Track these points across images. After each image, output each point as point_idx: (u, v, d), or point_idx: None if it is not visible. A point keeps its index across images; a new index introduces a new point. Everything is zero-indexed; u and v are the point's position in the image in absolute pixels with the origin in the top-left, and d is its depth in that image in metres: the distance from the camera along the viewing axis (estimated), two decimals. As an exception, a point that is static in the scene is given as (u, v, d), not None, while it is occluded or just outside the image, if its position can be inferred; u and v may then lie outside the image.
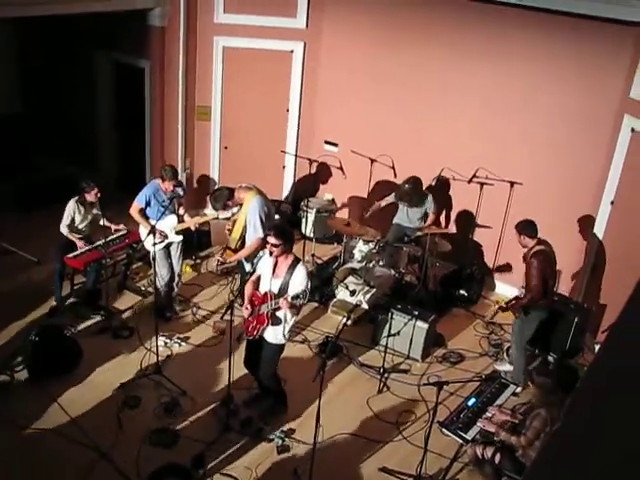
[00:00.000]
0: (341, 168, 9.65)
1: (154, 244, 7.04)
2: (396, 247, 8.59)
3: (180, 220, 7.73)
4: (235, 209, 7.22)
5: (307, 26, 9.62)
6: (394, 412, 6.77)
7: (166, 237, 7.60)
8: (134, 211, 7.53)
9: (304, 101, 10.12)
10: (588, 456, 1.32)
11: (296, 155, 10.16)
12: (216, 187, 7.08)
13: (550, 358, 7.60)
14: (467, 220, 9.12)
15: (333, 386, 7.03)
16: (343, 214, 10.24)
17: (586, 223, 8.13)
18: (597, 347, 7.67)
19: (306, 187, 10.20)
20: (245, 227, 7.12)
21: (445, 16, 8.61)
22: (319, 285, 8.50)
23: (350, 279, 8.52)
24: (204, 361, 7.31)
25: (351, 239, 8.98)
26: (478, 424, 5.55)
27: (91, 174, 7.91)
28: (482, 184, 8.61)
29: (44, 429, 6.12)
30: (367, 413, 6.73)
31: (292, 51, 9.79)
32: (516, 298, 7.16)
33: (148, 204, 7.50)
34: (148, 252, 7.77)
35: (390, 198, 8.80)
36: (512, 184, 8.48)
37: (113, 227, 8.02)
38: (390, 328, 7.53)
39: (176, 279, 8.00)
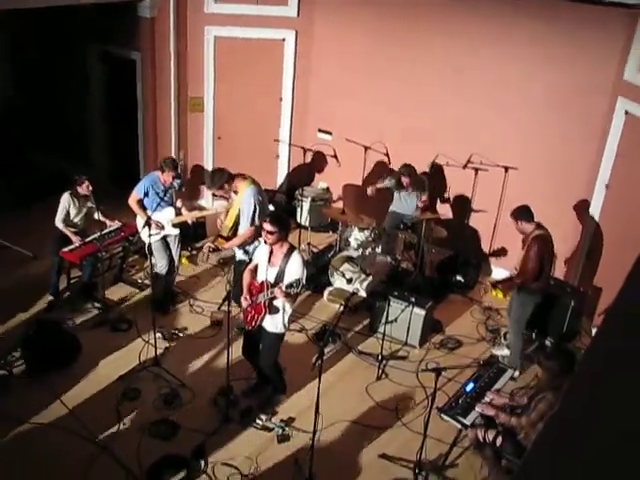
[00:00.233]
0: (335, 156, 9.64)
1: (150, 235, 7.05)
2: (392, 234, 8.60)
3: (177, 212, 7.72)
4: (233, 196, 7.21)
5: (298, 14, 9.58)
6: (393, 399, 6.79)
7: (162, 229, 7.60)
8: (132, 201, 7.52)
9: (297, 90, 10.09)
10: (586, 439, 1.32)
11: (290, 144, 10.14)
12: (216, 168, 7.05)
13: (547, 342, 7.62)
14: (462, 206, 9.12)
15: (332, 374, 7.04)
16: (338, 202, 10.23)
17: (581, 207, 8.15)
18: (594, 330, 7.70)
19: (300, 176, 10.18)
20: (238, 216, 7.13)
21: (438, 2, 8.57)
22: (315, 273, 8.50)
23: (346, 267, 8.52)
24: (202, 352, 7.32)
25: (346, 227, 8.98)
26: (477, 409, 5.57)
27: (84, 168, 7.88)
28: (477, 169, 8.60)
29: (44, 423, 6.12)
30: (366, 400, 6.75)
31: (284, 39, 9.75)
32: (508, 278, 7.19)
33: (146, 195, 7.49)
34: (144, 244, 7.78)
35: (386, 182, 8.79)
36: (506, 169, 8.48)
37: (108, 222, 8.00)
38: (387, 315, 7.54)
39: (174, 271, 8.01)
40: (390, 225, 8.78)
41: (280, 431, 6.22)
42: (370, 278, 8.39)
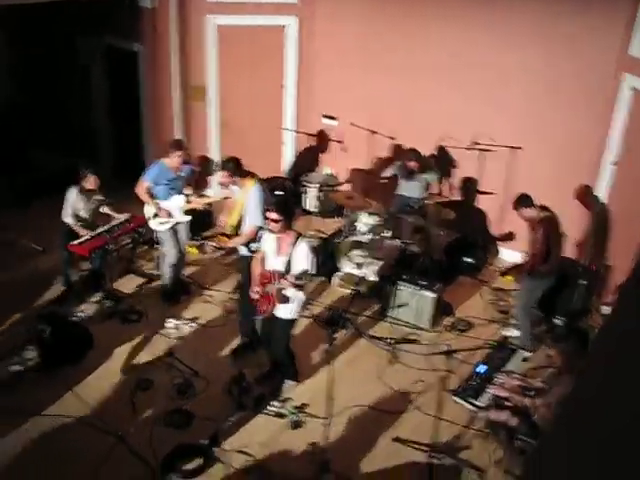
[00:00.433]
0: (341, 141, 9.61)
1: (160, 223, 7.03)
2: (399, 218, 8.59)
3: (187, 200, 7.72)
4: (234, 190, 7.08)
5: (300, 0, 9.54)
6: (405, 382, 6.80)
7: (171, 217, 7.60)
8: (140, 189, 7.48)
9: (300, 76, 10.07)
10: (599, 418, 1.33)
11: (295, 130, 10.13)
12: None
13: (557, 321, 7.62)
14: (469, 187, 9.11)
15: (343, 359, 7.05)
16: (344, 187, 10.22)
17: (588, 186, 8.11)
18: (604, 309, 7.69)
19: (306, 162, 10.17)
20: (242, 214, 6.90)
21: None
22: (324, 259, 8.50)
23: (355, 252, 8.52)
24: (214, 341, 7.34)
25: (353, 212, 8.98)
26: (489, 390, 5.57)
27: (89, 163, 7.88)
28: (482, 150, 8.59)
29: (59, 416, 6.16)
30: (378, 384, 6.76)
31: (286, 26, 9.72)
32: (517, 264, 7.18)
33: (156, 183, 7.49)
34: (153, 235, 7.79)
35: (393, 169, 8.78)
36: (512, 148, 8.45)
37: (116, 216, 8.00)
38: (397, 299, 7.54)
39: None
40: (397, 209, 8.77)
41: (294, 417, 6.23)
42: (379, 262, 8.39)
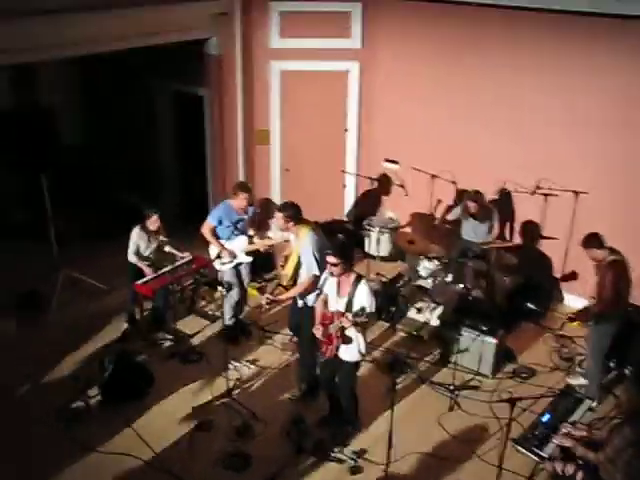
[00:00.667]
0: (402, 185, 9.62)
1: (223, 264, 7.11)
2: (461, 263, 8.51)
3: (250, 241, 7.80)
4: (290, 237, 7.03)
5: (362, 45, 9.68)
6: (466, 430, 6.68)
7: (235, 257, 7.69)
8: (206, 230, 7.58)
9: (362, 120, 10.16)
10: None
11: (357, 174, 10.19)
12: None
13: (627, 372, 7.40)
14: (532, 232, 8.99)
15: (404, 405, 6.96)
16: (405, 231, 10.20)
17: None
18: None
19: (367, 205, 10.20)
20: (299, 263, 6.76)
21: (505, 30, 8.50)
22: (385, 304, 8.45)
23: (416, 297, 8.47)
24: (274, 383, 7.35)
25: (415, 256, 8.93)
26: (554, 440, 5.42)
27: (153, 203, 8.05)
28: (546, 195, 8.50)
29: (119, 453, 6.23)
30: (439, 431, 6.65)
31: (348, 71, 9.85)
32: (585, 309, 7.02)
33: (220, 223, 7.58)
34: (215, 277, 7.87)
35: (455, 212, 8.74)
36: (577, 193, 8.34)
37: (179, 255, 8.13)
38: (459, 345, 7.45)
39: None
40: (459, 253, 8.69)
41: (352, 463, 6.17)
42: (440, 307, 8.31)
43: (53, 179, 8.61)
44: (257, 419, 6.72)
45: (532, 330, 8.43)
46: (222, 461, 6.15)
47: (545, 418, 5.73)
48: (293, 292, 6.75)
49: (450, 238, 9.03)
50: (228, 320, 7.89)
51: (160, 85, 10.45)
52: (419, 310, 8.31)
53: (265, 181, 10.35)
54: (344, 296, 5.81)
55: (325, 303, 6.05)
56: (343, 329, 5.80)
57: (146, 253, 7.88)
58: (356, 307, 5.69)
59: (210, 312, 8.67)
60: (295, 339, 7.60)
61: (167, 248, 8.01)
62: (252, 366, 7.63)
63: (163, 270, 7.89)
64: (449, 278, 8.57)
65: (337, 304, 5.86)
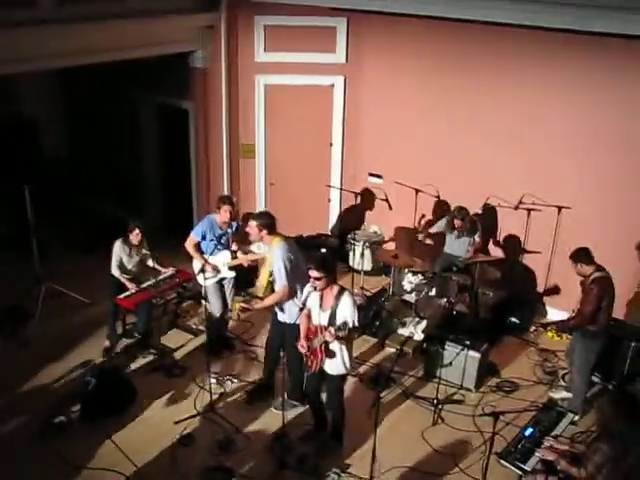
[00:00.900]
0: (386, 200, 9.65)
1: (206, 278, 7.08)
2: (445, 277, 8.54)
3: (233, 256, 7.78)
4: (263, 248, 6.96)
5: (347, 60, 9.71)
6: (450, 444, 6.67)
7: (218, 272, 7.66)
8: (189, 244, 7.55)
9: (347, 134, 10.18)
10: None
11: (341, 188, 10.20)
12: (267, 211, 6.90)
13: (610, 386, 7.43)
14: (515, 247, 9.02)
15: (387, 419, 6.96)
16: (390, 246, 10.22)
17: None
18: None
19: (352, 220, 10.21)
20: (272, 274, 6.68)
21: (493, 44, 8.51)
22: (370, 318, 8.44)
23: (401, 311, 8.47)
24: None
25: (399, 271, 8.94)
26: (537, 454, 5.42)
27: (136, 217, 8.03)
28: (529, 210, 8.54)
29: (100, 468, 6.17)
30: (422, 445, 6.64)
31: (333, 85, 9.88)
32: (560, 321, 7.09)
33: (203, 238, 7.56)
34: (198, 291, 7.84)
35: (439, 225, 8.76)
36: (560, 209, 8.38)
37: (162, 270, 8.08)
38: (442, 359, 7.46)
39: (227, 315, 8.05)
40: (442, 268, 8.71)
41: (336, 477, 6.14)
42: (424, 321, 8.31)
43: (36, 191, 8.58)
44: (240, 433, 6.69)
45: (515, 344, 8.45)
46: (204, 476, 6.10)
47: (528, 432, 5.73)
48: (267, 302, 6.71)
49: (434, 252, 9.04)
50: (211, 334, 7.84)
51: (144, 98, 10.44)
52: (403, 324, 8.31)
53: (250, 195, 10.34)
54: (327, 309, 5.80)
55: (309, 317, 6.03)
56: (327, 343, 5.79)
57: (129, 267, 7.84)
58: (339, 320, 5.67)
59: (194, 326, 8.62)
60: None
61: (149, 262, 7.97)
62: (235, 380, 7.59)
63: (146, 284, 7.85)
64: (433, 292, 8.58)
65: (320, 318, 5.85)
